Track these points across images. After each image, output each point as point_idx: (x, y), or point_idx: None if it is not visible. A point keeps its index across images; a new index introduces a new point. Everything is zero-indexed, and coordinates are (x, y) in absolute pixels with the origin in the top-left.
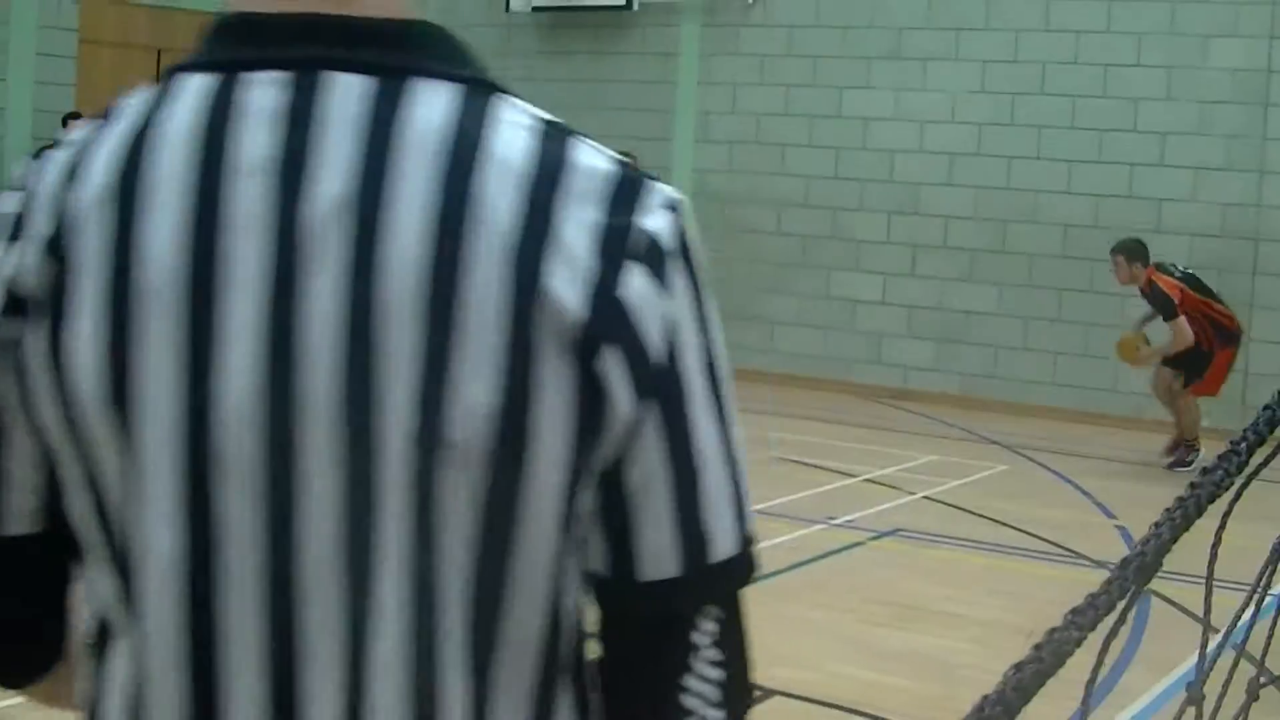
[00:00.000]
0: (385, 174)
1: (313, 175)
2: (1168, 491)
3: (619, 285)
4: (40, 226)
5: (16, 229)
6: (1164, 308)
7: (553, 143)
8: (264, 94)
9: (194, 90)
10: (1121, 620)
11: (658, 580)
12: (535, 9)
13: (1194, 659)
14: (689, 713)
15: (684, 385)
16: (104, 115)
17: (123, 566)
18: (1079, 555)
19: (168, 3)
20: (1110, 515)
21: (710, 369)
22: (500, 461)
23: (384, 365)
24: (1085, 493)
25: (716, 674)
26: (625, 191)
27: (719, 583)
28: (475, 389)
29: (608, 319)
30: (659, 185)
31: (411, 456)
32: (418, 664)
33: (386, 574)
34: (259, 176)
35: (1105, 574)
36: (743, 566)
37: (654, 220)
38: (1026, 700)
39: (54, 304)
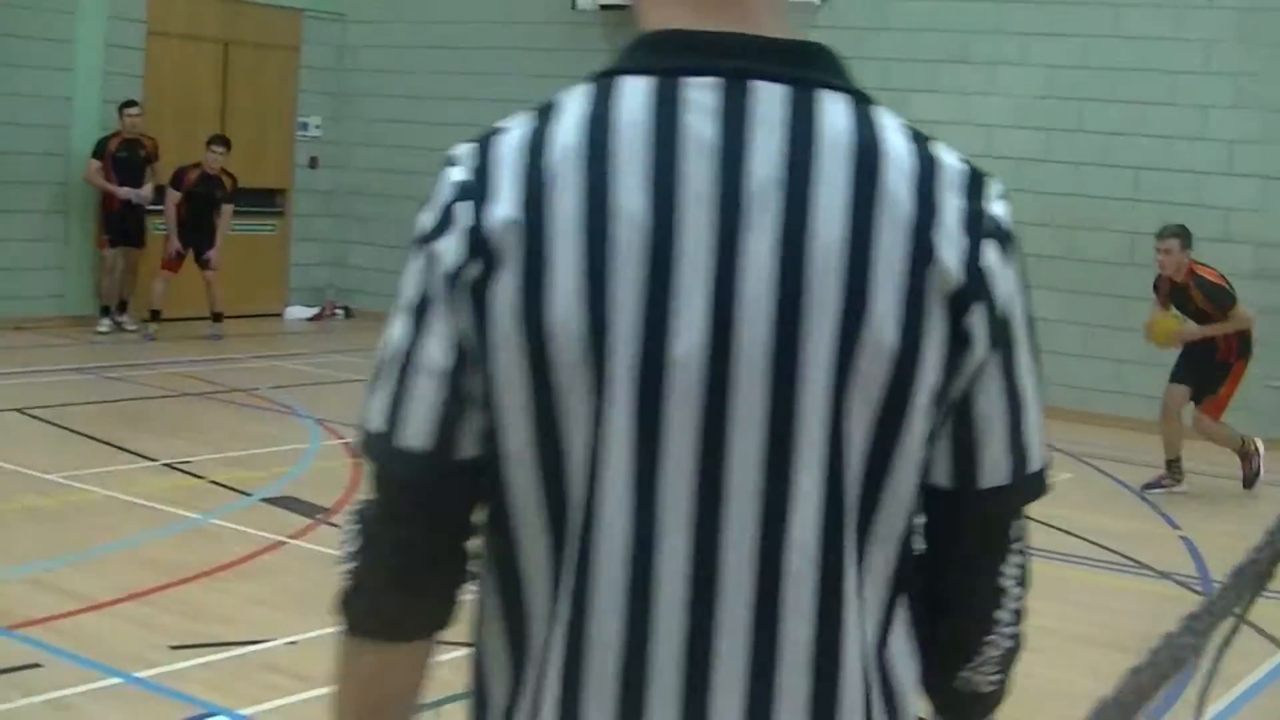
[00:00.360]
0: (808, 162)
1: (748, 159)
2: (1233, 504)
3: (981, 257)
4: (506, 186)
5: (469, 190)
6: (1218, 296)
7: (922, 144)
8: (703, 94)
9: (637, 88)
10: (1238, 626)
11: (992, 488)
12: (603, 7)
13: (1260, 673)
14: (1004, 590)
15: (1016, 336)
16: (540, 108)
17: (551, 480)
18: (1143, 565)
19: None
20: (1174, 526)
21: (1028, 324)
22: (892, 390)
23: (810, 311)
24: (1149, 503)
25: (1020, 560)
26: (976, 183)
27: (1031, 490)
28: (882, 332)
29: (976, 283)
30: (993, 178)
31: (828, 385)
32: (826, 551)
33: (803, 474)
34: (706, 157)
35: (1169, 585)
36: (1044, 479)
37: (997, 207)
38: (1143, 703)
39: (526, 251)
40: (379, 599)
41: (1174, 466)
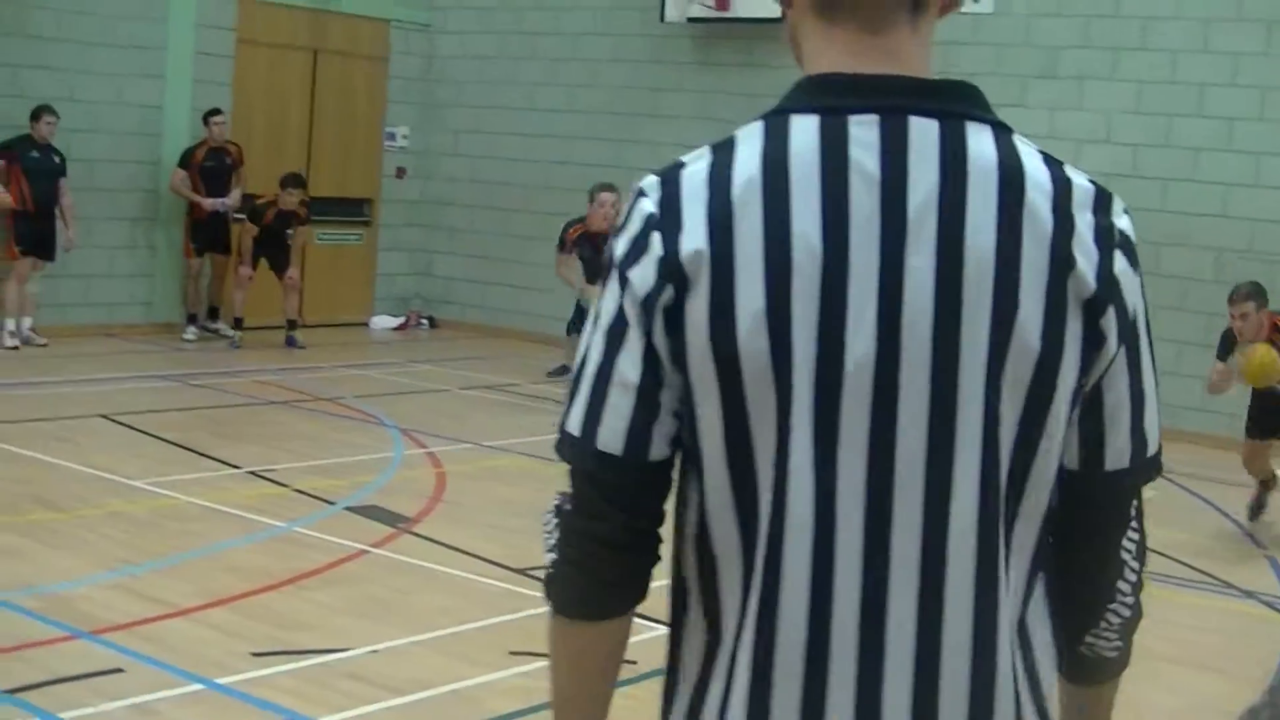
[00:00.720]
0: (960, 187)
1: (908, 186)
2: None
3: (1113, 265)
4: (694, 217)
5: (659, 222)
6: None
7: (1055, 166)
8: (865, 130)
9: (807, 126)
10: None
11: (1116, 470)
12: (690, 20)
13: None
14: (1124, 562)
15: (1139, 335)
16: (716, 145)
17: (743, 475)
18: (1227, 584)
19: (324, 5)
20: (1260, 545)
21: (1148, 324)
22: (1037, 385)
23: (967, 318)
24: (1235, 522)
25: (1137, 536)
26: (1103, 200)
27: (1149, 472)
28: (1029, 334)
29: (1108, 289)
30: (1116, 195)
31: (983, 383)
32: (982, 528)
33: (961, 461)
34: (870, 187)
35: (1253, 604)
36: (1159, 461)
37: (1122, 221)
38: None
39: (714, 276)
40: (578, 585)
41: (1268, 484)
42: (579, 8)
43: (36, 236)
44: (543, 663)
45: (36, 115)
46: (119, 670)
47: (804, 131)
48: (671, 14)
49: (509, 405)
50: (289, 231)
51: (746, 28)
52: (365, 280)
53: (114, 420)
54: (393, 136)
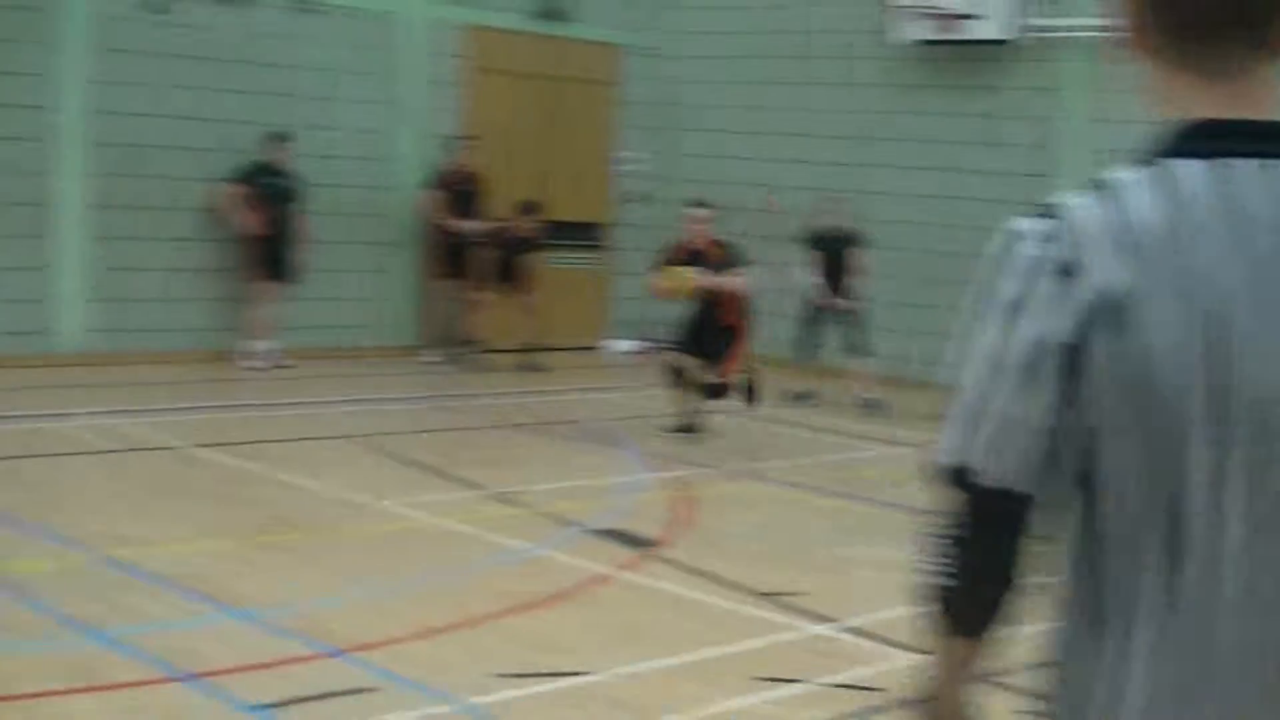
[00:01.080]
0: None
1: None
2: None
3: None
4: (1101, 262)
5: (1066, 266)
6: None
7: None
8: (1248, 174)
9: (1192, 172)
10: None
11: None
12: (922, 42)
13: None
14: None
15: None
16: (1099, 186)
17: (1138, 503)
18: None
19: (554, 31)
20: None
21: None
22: None
23: None
24: None
25: None
26: None
27: None
28: None
29: None
30: None
31: None
32: None
33: None
34: (1261, 228)
35: None
36: None
37: None
38: None
39: (1127, 314)
40: (960, 607)
41: None
42: (807, 30)
43: (275, 261)
44: (790, 690)
45: (272, 142)
46: (373, 689)
47: (1190, 177)
48: (895, 37)
49: (750, 430)
50: (525, 256)
51: (977, 49)
52: (599, 304)
53: (360, 441)
54: (624, 161)
